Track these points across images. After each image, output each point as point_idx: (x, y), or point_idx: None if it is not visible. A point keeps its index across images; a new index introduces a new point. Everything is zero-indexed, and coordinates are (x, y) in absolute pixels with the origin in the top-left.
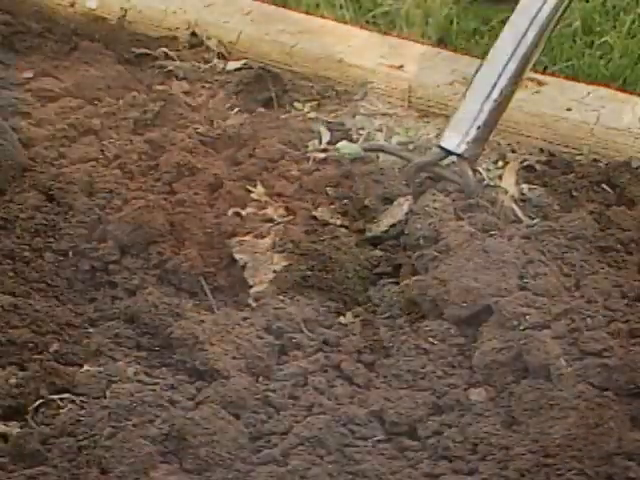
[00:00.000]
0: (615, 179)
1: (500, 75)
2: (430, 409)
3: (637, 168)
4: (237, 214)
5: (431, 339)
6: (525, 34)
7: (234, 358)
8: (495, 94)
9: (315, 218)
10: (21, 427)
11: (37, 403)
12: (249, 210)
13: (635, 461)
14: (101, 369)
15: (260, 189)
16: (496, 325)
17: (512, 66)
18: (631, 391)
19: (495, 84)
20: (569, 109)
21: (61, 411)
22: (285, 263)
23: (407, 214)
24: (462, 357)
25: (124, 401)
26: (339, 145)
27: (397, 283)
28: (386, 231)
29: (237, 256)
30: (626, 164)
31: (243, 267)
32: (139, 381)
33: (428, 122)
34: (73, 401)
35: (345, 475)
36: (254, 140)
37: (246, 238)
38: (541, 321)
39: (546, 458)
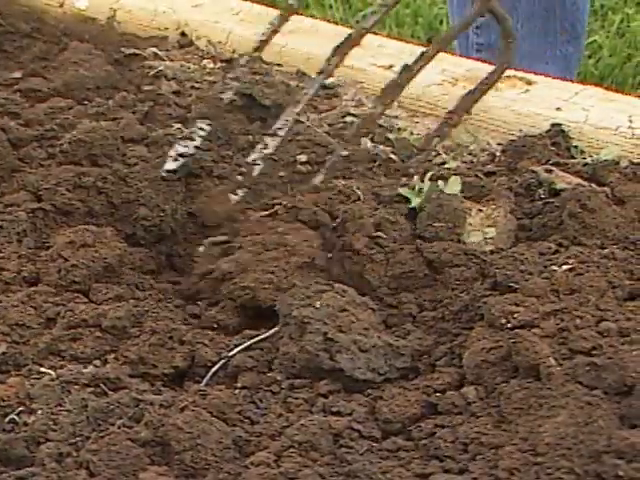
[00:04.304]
0: (604, 179)
1: None
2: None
3: (626, 168)
4: None
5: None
6: None
7: None
8: None
9: None
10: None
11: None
12: None
13: (624, 459)
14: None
15: None
16: (485, 325)
17: None
18: (620, 390)
19: None
20: (558, 109)
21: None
22: None
23: None
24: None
25: (102, 404)
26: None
27: None
28: None
29: None
30: (615, 164)
31: None
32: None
33: (417, 122)
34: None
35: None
36: None
37: None
38: (530, 320)
39: (535, 457)
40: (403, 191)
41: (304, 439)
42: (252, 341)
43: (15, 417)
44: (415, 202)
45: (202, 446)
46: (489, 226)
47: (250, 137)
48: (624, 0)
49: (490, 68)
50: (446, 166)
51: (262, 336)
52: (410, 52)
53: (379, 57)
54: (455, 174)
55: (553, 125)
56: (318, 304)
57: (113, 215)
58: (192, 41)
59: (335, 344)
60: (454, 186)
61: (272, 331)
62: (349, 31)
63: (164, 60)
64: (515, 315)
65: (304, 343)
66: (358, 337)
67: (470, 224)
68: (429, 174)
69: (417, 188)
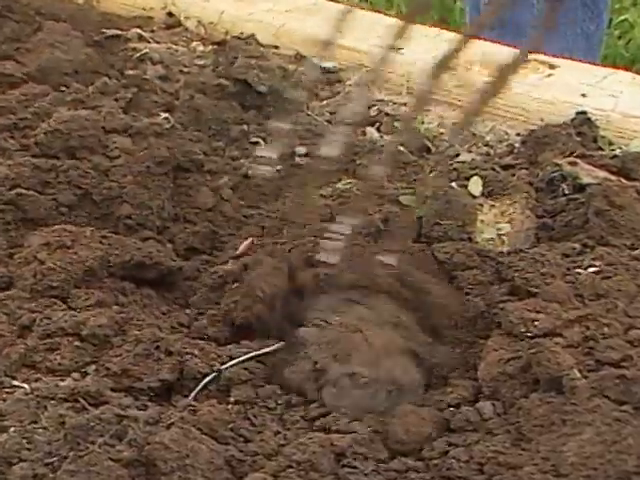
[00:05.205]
0: (634, 172)
1: None
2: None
3: None
4: None
5: None
6: None
7: None
8: None
9: None
10: None
11: None
12: None
13: None
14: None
15: None
16: (503, 333)
17: None
18: None
19: None
20: (584, 95)
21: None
22: None
23: None
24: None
25: (81, 420)
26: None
27: None
28: None
29: None
30: None
31: None
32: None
33: (429, 110)
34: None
35: None
36: None
37: None
38: (552, 328)
39: (558, 478)
40: (404, 199)
41: (303, 458)
42: (247, 356)
43: None
44: (421, 212)
45: (191, 466)
46: (503, 222)
47: (244, 127)
48: None
49: (508, 50)
50: (460, 159)
51: (262, 351)
52: (422, 34)
53: (386, 39)
54: (470, 168)
55: (578, 113)
56: (326, 322)
57: (93, 213)
58: (180, 21)
59: (323, 375)
60: (475, 187)
61: (275, 347)
62: (352, 10)
63: (149, 42)
64: (535, 323)
65: (294, 369)
66: (358, 369)
67: (482, 221)
68: (435, 173)
69: (421, 194)
